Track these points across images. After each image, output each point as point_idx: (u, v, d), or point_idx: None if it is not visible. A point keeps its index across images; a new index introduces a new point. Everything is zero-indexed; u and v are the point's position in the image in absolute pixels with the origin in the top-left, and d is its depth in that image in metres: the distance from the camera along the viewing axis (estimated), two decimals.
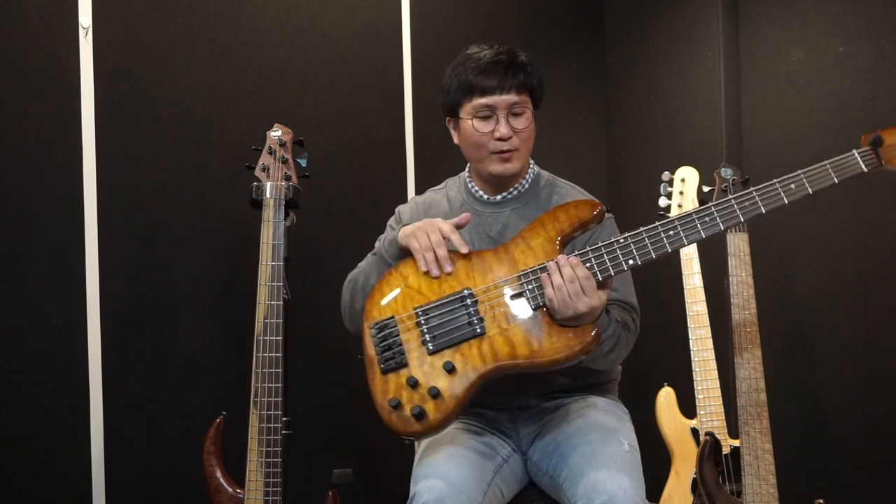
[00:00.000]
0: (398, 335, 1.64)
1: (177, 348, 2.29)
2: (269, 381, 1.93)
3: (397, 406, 1.60)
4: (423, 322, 1.64)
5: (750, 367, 2.05)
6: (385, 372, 1.63)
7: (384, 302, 1.68)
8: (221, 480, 2.03)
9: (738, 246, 2.11)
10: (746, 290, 2.08)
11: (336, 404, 2.56)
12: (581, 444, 1.67)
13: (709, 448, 2.11)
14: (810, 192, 1.59)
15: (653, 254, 1.59)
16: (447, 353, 1.61)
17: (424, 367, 1.61)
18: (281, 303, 1.95)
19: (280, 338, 1.95)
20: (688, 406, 2.45)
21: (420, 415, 1.58)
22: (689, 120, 3.04)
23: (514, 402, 1.83)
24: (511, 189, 1.87)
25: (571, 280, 1.56)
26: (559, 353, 1.57)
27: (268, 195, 2.00)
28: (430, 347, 1.62)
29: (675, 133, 3.09)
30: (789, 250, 2.76)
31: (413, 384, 1.60)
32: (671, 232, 1.59)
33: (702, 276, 2.44)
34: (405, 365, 1.62)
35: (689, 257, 2.46)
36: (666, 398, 2.50)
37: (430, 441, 1.76)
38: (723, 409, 2.38)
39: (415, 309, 1.65)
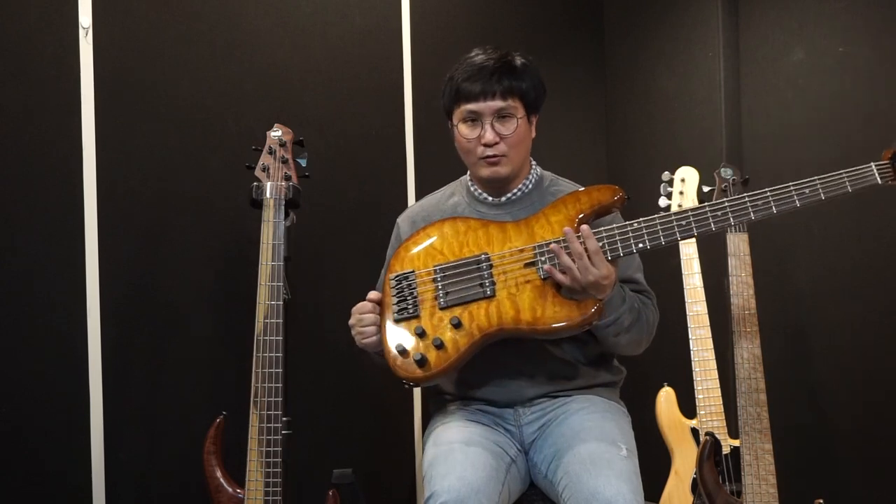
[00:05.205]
0: (415, 288, 1.75)
1: (177, 348, 2.29)
2: (269, 381, 1.93)
3: (403, 352, 1.70)
4: (439, 279, 1.74)
5: (750, 367, 2.05)
6: (397, 321, 1.74)
7: (407, 256, 1.80)
8: (221, 480, 2.03)
9: (738, 246, 2.11)
10: (746, 290, 2.08)
11: (336, 404, 2.56)
12: (579, 449, 1.67)
13: (709, 448, 2.11)
14: (823, 198, 1.65)
15: (662, 240, 1.66)
16: (457, 309, 1.72)
17: (433, 321, 1.72)
18: (281, 303, 1.95)
19: (280, 338, 1.95)
20: (688, 406, 2.45)
21: (422, 362, 1.68)
22: (689, 120, 3.04)
23: (518, 399, 1.83)
24: (514, 191, 1.88)
25: (581, 256, 1.62)
26: (559, 321, 1.65)
27: (268, 195, 2.00)
28: (442, 303, 1.72)
29: (675, 133, 3.09)
30: (789, 250, 2.76)
31: (420, 333, 1.70)
32: (683, 223, 1.66)
33: (702, 276, 2.44)
34: (416, 316, 1.73)
35: (690, 257, 2.46)
36: (666, 398, 2.50)
37: (439, 438, 1.76)
38: (723, 409, 2.38)
39: (434, 266, 1.75)
